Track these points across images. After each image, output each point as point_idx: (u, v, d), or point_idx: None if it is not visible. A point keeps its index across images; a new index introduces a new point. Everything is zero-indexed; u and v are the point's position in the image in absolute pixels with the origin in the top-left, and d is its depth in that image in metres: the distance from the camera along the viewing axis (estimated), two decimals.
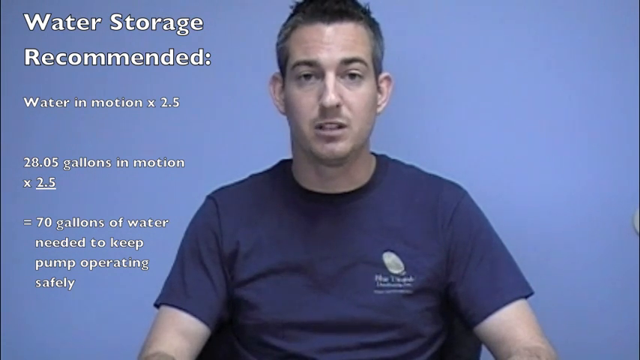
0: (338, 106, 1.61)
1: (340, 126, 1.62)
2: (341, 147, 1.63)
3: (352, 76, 1.63)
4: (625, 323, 2.10)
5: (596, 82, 2.11)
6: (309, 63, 1.63)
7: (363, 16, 1.67)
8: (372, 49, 1.67)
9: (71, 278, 2.21)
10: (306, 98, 1.63)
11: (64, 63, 2.19)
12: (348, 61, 1.62)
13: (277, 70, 1.72)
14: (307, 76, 1.63)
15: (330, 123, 1.62)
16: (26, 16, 2.16)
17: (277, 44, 1.70)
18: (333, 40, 1.63)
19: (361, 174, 1.72)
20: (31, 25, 2.17)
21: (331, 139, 1.62)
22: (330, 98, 1.60)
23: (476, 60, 2.13)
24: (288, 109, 1.67)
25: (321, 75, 1.62)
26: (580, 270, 2.12)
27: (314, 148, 1.64)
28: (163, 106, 2.18)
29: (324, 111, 1.61)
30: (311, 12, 1.65)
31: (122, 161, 2.19)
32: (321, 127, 1.62)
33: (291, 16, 1.69)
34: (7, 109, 2.20)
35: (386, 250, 1.68)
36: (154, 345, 1.67)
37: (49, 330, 2.22)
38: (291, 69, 1.65)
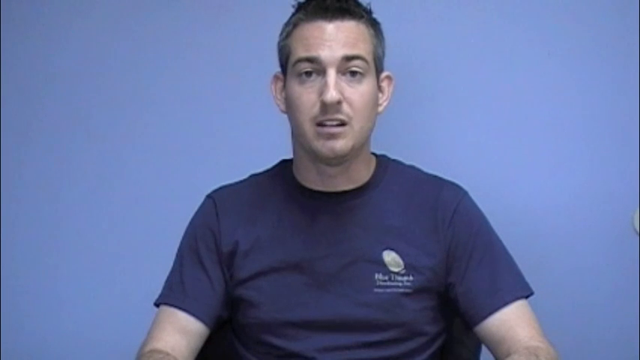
0: (339, 102, 1.61)
1: (341, 123, 1.62)
2: (341, 144, 1.63)
3: (353, 73, 1.64)
4: (625, 323, 2.10)
5: (597, 82, 2.11)
6: (310, 60, 1.63)
7: (364, 14, 1.67)
8: (374, 47, 1.67)
9: (71, 278, 2.21)
10: (306, 95, 1.63)
11: (64, 63, 2.19)
12: (349, 58, 1.63)
13: (278, 70, 1.72)
14: (308, 74, 1.64)
15: (331, 120, 1.62)
16: (26, 15, 2.17)
17: (279, 43, 1.70)
18: (335, 38, 1.63)
19: (361, 173, 1.72)
20: (32, 25, 2.18)
21: (331, 137, 1.62)
22: (331, 94, 1.60)
23: (476, 60, 2.13)
24: (289, 106, 1.67)
25: (322, 72, 1.62)
26: (580, 270, 2.12)
27: (314, 146, 1.64)
28: (164, 105, 2.18)
29: (325, 108, 1.61)
30: (313, 10, 1.65)
31: (122, 161, 2.19)
32: (321, 124, 1.62)
33: (293, 14, 1.69)
34: (7, 108, 2.21)
35: (386, 249, 1.68)
36: (151, 343, 1.67)
37: (49, 330, 2.22)
38: (292, 66, 1.65)
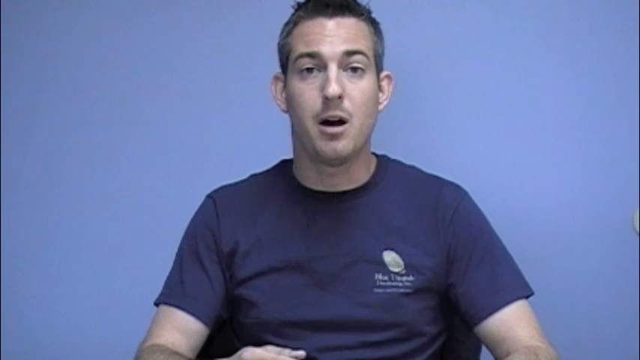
0: (340, 97, 1.61)
1: (341, 121, 1.62)
2: (343, 145, 1.63)
3: (354, 69, 1.64)
4: (625, 323, 2.10)
5: (597, 82, 2.11)
6: (311, 55, 1.63)
7: (364, 12, 1.68)
8: (374, 44, 1.67)
9: (71, 278, 2.21)
10: (308, 92, 1.63)
11: (64, 63, 2.19)
12: (350, 53, 1.63)
13: (278, 70, 1.72)
14: (309, 70, 1.64)
15: (332, 116, 1.61)
16: (26, 15, 2.17)
17: (279, 42, 1.71)
18: (335, 33, 1.63)
19: (362, 173, 1.72)
20: (32, 25, 2.18)
21: (333, 137, 1.62)
22: (333, 88, 1.60)
23: (476, 60, 2.13)
24: (291, 104, 1.67)
25: (323, 67, 1.63)
26: (580, 270, 2.12)
27: (317, 146, 1.64)
28: (164, 105, 2.18)
29: (327, 103, 1.61)
30: (313, 7, 1.66)
31: (123, 161, 2.19)
32: (323, 122, 1.62)
33: (293, 14, 1.69)
34: (7, 108, 2.21)
35: (386, 249, 1.68)
36: (151, 339, 1.68)
37: (48, 329, 2.22)
38: (293, 63, 1.65)
